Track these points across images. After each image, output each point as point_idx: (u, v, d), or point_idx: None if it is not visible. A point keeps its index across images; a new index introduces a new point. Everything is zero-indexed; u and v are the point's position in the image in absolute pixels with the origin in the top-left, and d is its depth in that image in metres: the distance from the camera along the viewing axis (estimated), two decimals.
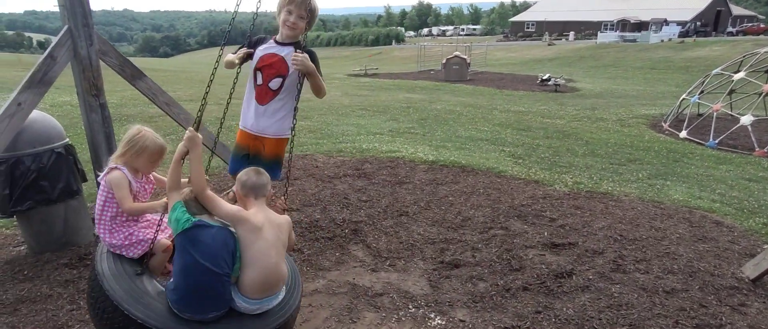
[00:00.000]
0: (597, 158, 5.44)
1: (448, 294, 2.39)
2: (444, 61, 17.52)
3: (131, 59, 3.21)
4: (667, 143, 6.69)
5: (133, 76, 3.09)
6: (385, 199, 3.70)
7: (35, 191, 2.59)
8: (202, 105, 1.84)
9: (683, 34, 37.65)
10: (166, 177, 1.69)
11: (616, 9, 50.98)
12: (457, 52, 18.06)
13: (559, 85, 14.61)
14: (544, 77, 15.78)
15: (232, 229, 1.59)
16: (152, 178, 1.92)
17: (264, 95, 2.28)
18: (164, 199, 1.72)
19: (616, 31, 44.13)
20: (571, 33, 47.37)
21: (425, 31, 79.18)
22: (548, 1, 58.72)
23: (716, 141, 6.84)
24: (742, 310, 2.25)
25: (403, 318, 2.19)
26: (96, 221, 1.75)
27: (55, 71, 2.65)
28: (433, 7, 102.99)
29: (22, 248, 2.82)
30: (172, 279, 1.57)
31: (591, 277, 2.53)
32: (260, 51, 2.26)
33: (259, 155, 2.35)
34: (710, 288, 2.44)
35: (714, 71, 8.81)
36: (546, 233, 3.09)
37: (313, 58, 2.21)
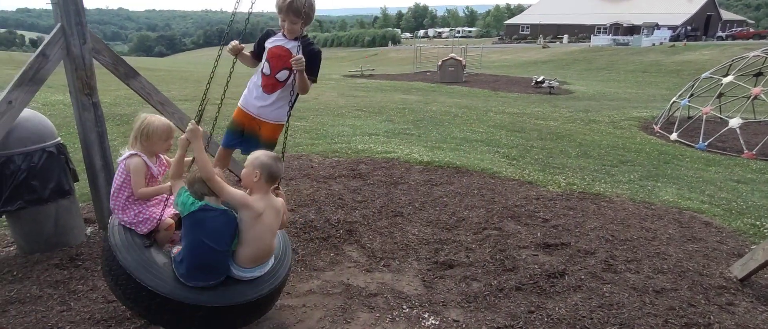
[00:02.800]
0: (590, 159, 5.50)
1: (442, 294, 2.41)
2: (440, 62, 17.59)
3: (126, 59, 3.19)
4: (657, 145, 6.78)
5: (127, 75, 3.07)
6: (380, 199, 3.71)
7: (26, 190, 2.56)
8: (204, 100, 1.97)
9: (674, 38, 38.16)
10: (175, 160, 1.89)
11: (609, 13, 51.61)
12: (452, 54, 18.14)
13: (553, 87, 14.74)
14: (539, 79, 15.91)
15: (234, 212, 1.79)
16: (165, 161, 2.10)
17: (271, 86, 2.43)
18: (169, 183, 1.90)
19: (609, 34, 44.65)
20: (565, 36, 47.82)
21: (421, 32, 79.43)
22: (543, 4, 59.27)
23: (706, 143, 6.95)
24: (730, 309, 2.29)
25: (397, 319, 2.20)
26: (111, 198, 1.93)
27: (47, 70, 2.62)
28: (430, 9, 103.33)
29: (12, 248, 2.79)
30: (179, 251, 1.79)
31: (583, 277, 2.56)
32: (269, 43, 2.42)
33: (255, 135, 2.50)
34: (699, 288, 2.48)
35: (703, 75, 8.96)
36: (539, 234, 3.12)
37: (316, 57, 2.39)
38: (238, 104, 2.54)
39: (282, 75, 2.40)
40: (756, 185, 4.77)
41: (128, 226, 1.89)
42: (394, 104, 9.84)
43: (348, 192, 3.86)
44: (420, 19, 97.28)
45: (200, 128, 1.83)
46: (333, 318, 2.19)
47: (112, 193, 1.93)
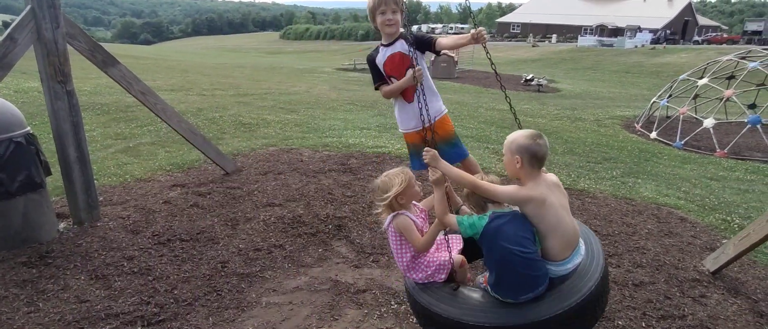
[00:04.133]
0: (575, 156, 5.61)
1: None
2: (432, 58, 17.62)
3: (108, 45, 3.10)
4: (638, 143, 6.97)
5: (105, 62, 2.93)
6: (370, 195, 3.72)
7: None
8: (432, 132, 1.89)
9: (655, 41, 39.17)
10: (434, 205, 1.75)
11: (595, 14, 52.65)
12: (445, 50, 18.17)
13: (541, 85, 14.96)
14: (528, 77, 16.12)
15: (518, 209, 1.64)
16: (418, 206, 1.93)
17: (408, 92, 2.41)
18: (436, 222, 1.75)
19: (594, 35, 45.53)
20: (554, 35, 48.50)
21: (415, 28, 79.24)
22: (533, 3, 59.94)
23: (682, 142, 7.19)
24: (703, 301, 2.37)
25: (386, 315, 2.19)
26: (399, 264, 1.85)
27: (16, 54, 2.47)
28: (423, 5, 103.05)
29: None
30: (488, 276, 1.64)
31: None
32: (380, 62, 2.42)
33: (433, 142, 2.40)
34: (674, 281, 2.56)
35: (681, 77, 9.26)
36: None
37: (423, 38, 2.33)
38: (401, 131, 2.57)
39: (408, 73, 2.34)
40: (727, 182, 4.96)
41: (428, 281, 1.78)
42: (386, 99, 9.81)
43: (338, 187, 3.84)
44: (413, 14, 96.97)
45: (434, 151, 1.73)
46: (320, 315, 2.17)
47: (397, 260, 1.86)
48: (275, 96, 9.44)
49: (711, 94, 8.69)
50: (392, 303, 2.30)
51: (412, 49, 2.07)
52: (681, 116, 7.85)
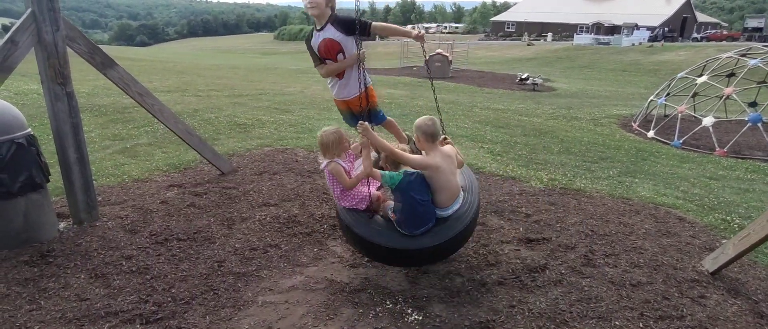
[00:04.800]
0: (571, 155, 5.62)
1: (426, 289, 2.42)
2: (426, 57, 17.59)
3: (105, 47, 3.09)
4: (636, 142, 6.98)
5: (104, 64, 2.98)
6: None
7: None
8: (365, 102, 2.59)
9: (652, 39, 39.27)
10: (363, 159, 2.33)
11: (591, 12, 52.69)
12: (439, 50, 18.16)
13: (537, 84, 14.95)
14: (523, 76, 16.11)
15: (421, 172, 2.28)
16: (351, 153, 2.52)
17: (341, 71, 2.74)
18: (367, 171, 2.31)
19: (591, 33, 45.60)
20: (549, 34, 48.57)
21: (409, 27, 79.31)
22: (528, 2, 59.98)
23: (680, 141, 7.19)
24: (702, 302, 2.38)
25: (381, 314, 2.20)
26: (332, 194, 2.48)
27: (17, 57, 2.51)
28: (417, 4, 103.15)
29: None
30: (396, 216, 2.28)
31: (563, 271, 2.61)
32: (315, 45, 2.69)
33: (352, 112, 2.88)
34: (673, 281, 2.56)
35: (679, 75, 9.24)
36: (521, 229, 3.17)
37: (353, 21, 2.52)
38: (335, 98, 2.95)
39: (340, 59, 2.70)
40: (727, 181, 4.96)
41: (352, 208, 2.40)
42: (381, 99, 9.73)
43: None
44: (407, 14, 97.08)
45: (366, 123, 2.28)
46: (316, 314, 2.18)
47: (331, 189, 2.47)
48: (270, 97, 9.40)
49: (710, 92, 8.67)
50: (387, 302, 2.30)
51: (354, 36, 2.52)
52: (679, 114, 7.83)
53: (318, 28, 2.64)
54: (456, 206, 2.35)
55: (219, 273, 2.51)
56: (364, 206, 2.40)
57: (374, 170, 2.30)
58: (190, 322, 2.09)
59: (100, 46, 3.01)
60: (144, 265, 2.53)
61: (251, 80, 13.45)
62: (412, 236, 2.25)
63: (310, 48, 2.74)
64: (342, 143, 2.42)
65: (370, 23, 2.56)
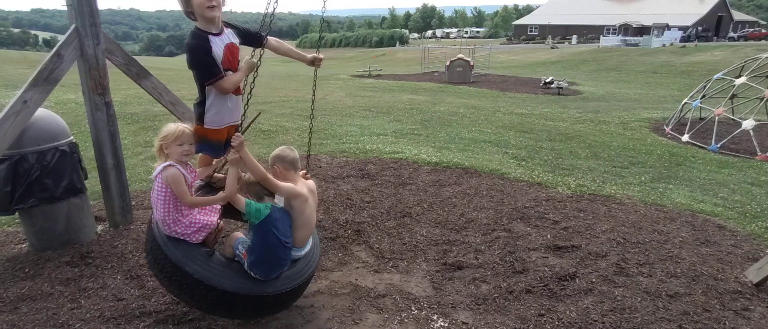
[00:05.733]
0: (599, 160, 5.44)
1: (451, 296, 2.39)
2: (448, 63, 17.53)
3: (137, 58, 3.24)
4: (669, 147, 6.68)
5: (139, 75, 3.11)
6: (388, 200, 3.70)
7: (38, 188, 2.60)
8: (246, 111, 2.03)
9: (685, 39, 37.64)
10: (228, 179, 1.92)
11: (618, 13, 51.07)
12: (460, 55, 18.06)
13: (561, 88, 14.59)
14: (547, 80, 15.76)
15: (282, 204, 1.98)
16: (192, 168, 2.09)
17: (240, 87, 2.23)
18: (221, 194, 1.95)
19: (618, 35, 44.17)
20: (574, 37, 47.36)
21: (429, 33, 79.29)
22: (551, 5, 58.84)
23: (718, 145, 6.83)
24: (746, 315, 2.24)
25: (406, 320, 2.19)
26: (156, 211, 1.90)
27: (62, 69, 2.66)
28: (437, 9, 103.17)
29: (24, 245, 2.82)
30: (249, 258, 1.92)
31: (594, 280, 2.52)
32: (216, 54, 2.08)
33: (223, 140, 2.26)
34: (714, 293, 2.43)
35: (716, 76, 8.80)
36: (549, 236, 3.08)
37: (254, 32, 2.22)
38: (208, 126, 2.19)
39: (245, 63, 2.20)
40: None
41: (181, 237, 1.88)
42: (402, 104, 9.82)
43: (356, 192, 3.86)
44: (428, 19, 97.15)
45: (242, 137, 1.90)
46: (341, 319, 2.19)
47: (155, 206, 1.89)
48: (292, 103, 9.59)
49: (750, 94, 8.22)
50: (412, 308, 2.29)
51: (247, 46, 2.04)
52: (716, 117, 7.44)
53: (214, 31, 2.08)
54: (308, 247, 2.14)
55: None
56: (200, 238, 1.92)
57: (238, 195, 1.90)
58: (219, 323, 2.14)
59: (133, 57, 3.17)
60: None
61: (274, 88, 13.77)
62: (264, 280, 1.92)
63: (204, 58, 2.05)
64: (186, 142, 1.92)
65: (266, 37, 2.12)
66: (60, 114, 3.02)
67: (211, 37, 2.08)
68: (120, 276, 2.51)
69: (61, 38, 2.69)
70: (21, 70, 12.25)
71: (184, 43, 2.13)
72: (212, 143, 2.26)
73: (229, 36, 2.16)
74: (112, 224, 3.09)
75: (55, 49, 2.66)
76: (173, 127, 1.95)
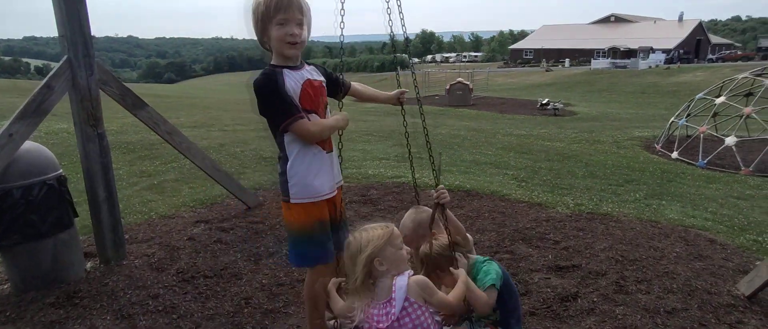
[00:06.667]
0: (596, 179, 5.50)
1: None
2: (448, 86, 17.96)
3: (134, 85, 3.24)
4: (660, 164, 6.83)
5: (135, 105, 3.05)
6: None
7: (23, 224, 2.46)
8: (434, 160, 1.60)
9: (668, 61, 38.98)
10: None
11: (606, 37, 53.32)
12: (460, 78, 18.54)
13: (557, 109, 14.96)
14: (544, 102, 16.17)
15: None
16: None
17: (328, 138, 1.71)
18: (462, 281, 1.50)
19: (607, 58, 45.67)
20: (567, 60, 48.89)
21: (429, 57, 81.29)
22: (544, 30, 61.28)
23: (705, 161, 7.04)
24: (740, 328, 2.25)
25: None
26: None
27: (52, 101, 2.56)
28: (436, 35, 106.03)
29: (6, 286, 2.67)
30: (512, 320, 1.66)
31: (595, 299, 2.50)
32: (293, 90, 1.62)
33: (328, 218, 1.73)
34: (708, 307, 2.43)
35: (698, 96, 9.18)
36: (550, 256, 3.08)
37: (337, 76, 1.84)
38: (297, 201, 1.66)
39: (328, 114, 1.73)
40: (755, 201, 4.79)
41: None
42: (403, 128, 10.00)
43: (359, 218, 3.79)
44: (427, 44, 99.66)
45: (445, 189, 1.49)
46: None
47: None
48: None
49: (730, 111, 8.57)
50: None
51: (341, 75, 1.68)
52: (701, 134, 7.73)
53: (292, 64, 1.66)
54: None
55: (246, 310, 2.48)
56: None
57: (467, 279, 1.47)
58: None
59: (129, 84, 3.03)
60: (170, 304, 2.50)
61: None
62: None
63: (283, 95, 1.58)
64: (397, 249, 1.43)
65: (350, 83, 1.81)
66: (50, 145, 2.91)
67: (285, 70, 1.62)
68: (110, 317, 2.37)
69: (54, 67, 2.62)
70: (11, 99, 11.89)
71: (251, 82, 1.63)
72: (311, 228, 1.64)
73: (311, 72, 1.70)
74: (102, 261, 2.94)
75: (44, 80, 2.57)
76: (378, 231, 1.42)
